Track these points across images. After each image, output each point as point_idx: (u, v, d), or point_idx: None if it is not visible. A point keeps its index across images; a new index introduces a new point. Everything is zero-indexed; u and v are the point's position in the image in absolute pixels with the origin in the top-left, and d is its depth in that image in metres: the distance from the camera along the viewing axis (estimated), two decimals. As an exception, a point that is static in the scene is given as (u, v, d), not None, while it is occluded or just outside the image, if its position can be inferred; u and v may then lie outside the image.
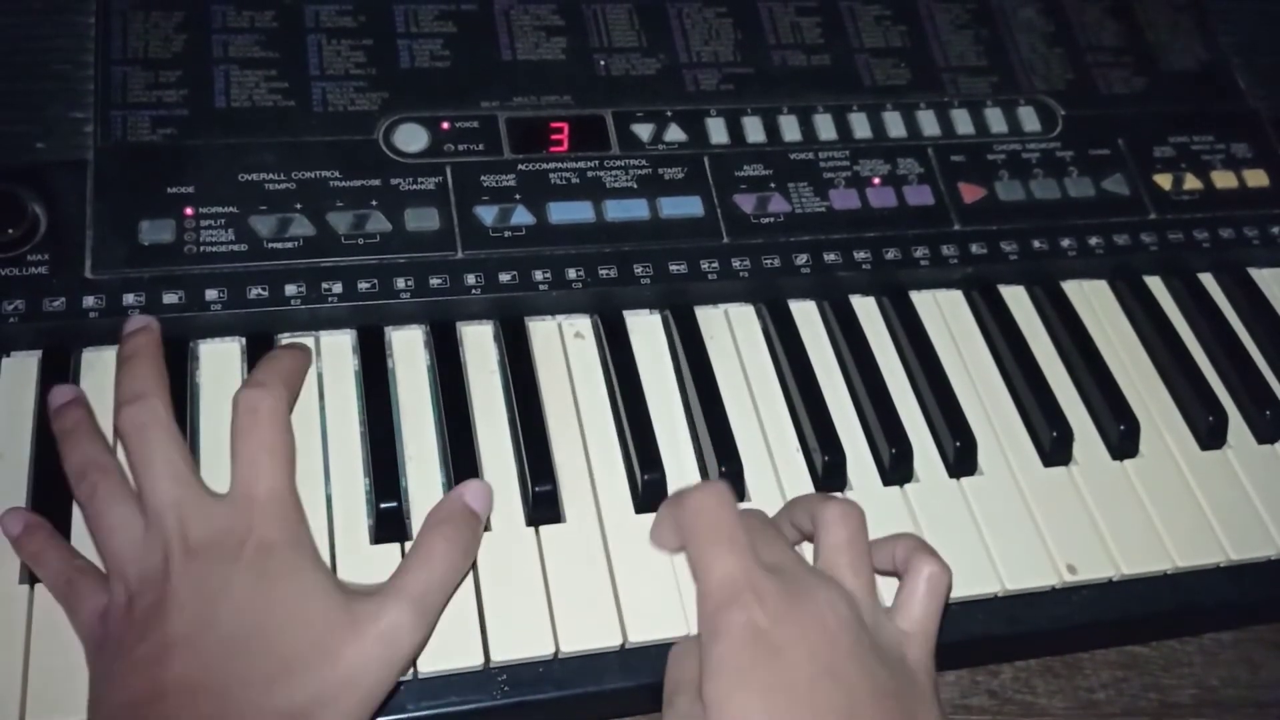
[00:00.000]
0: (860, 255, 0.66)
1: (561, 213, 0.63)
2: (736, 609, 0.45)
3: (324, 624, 0.45)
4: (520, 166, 0.64)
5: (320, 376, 0.58)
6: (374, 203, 0.61)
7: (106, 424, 0.54)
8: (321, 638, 0.45)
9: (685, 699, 0.46)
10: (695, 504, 0.48)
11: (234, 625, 0.44)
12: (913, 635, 0.48)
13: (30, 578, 0.50)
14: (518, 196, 0.63)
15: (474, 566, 0.53)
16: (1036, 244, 0.68)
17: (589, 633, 0.52)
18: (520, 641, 0.51)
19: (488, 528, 0.54)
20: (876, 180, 0.68)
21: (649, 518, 0.56)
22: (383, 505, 0.53)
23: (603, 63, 0.69)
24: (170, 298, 0.57)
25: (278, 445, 0.49)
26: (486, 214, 0.62)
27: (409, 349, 0.60)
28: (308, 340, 0.59)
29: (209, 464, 0.54)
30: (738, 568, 0.46)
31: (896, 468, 0.59)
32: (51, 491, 0.52)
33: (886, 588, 0.52)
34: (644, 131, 0.67)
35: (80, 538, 0.51)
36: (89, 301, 0.56)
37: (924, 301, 0.67)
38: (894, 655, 0.47)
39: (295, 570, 0.47)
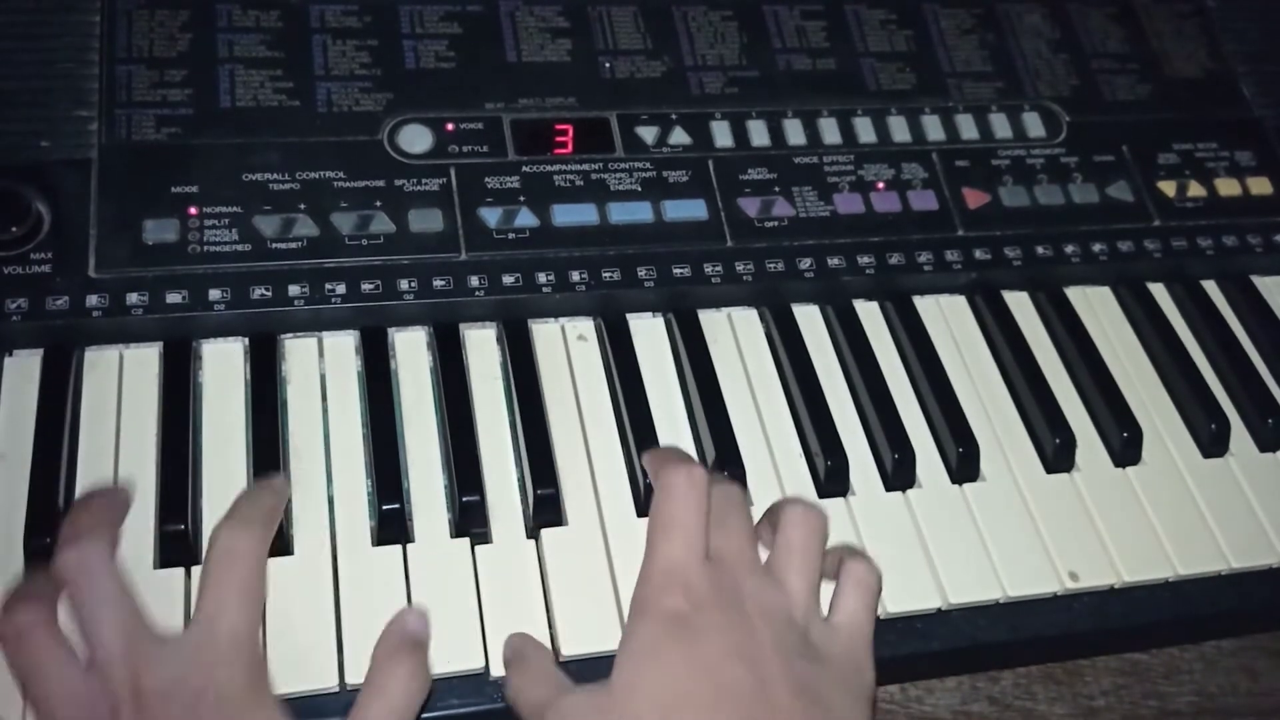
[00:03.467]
0: (864, 260, 0.65)
1: (565, 215, 0.63)
2: (666, 595, 0.47)
3: None
4: (524, 168, 0.64)
5: (323, 378, 0.58)
6: (378, 203, 0.61)
7: (108, 426, 0.55)
8: None
9: (567, 697, 0.47)
10: (669, 484, 0.50)
11: None
12: (841, 631, 0.50)
13: (31, 577, 0.50)
14: (522, 198, 0.63)
15: (474, 570, 0.53)
16: (1040, 250, 0.68)
17: (589, 636, 0.52)
18: (521, 645, 0.51)
19: (489, 539, 0.54)
20: (881, 185, 0.68)
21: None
22: (385, 507, 0.53)
23: (608, 65, 0.69)
24: (174, 297, 0.57)
25: (249, 587, 0.46)
26: (490, 215, 0.62)
27: (412, 350, 0.60)
28: (310, 341, 0.59)
29: (211, 465, 0.54)
30: (680, 557, 0.48)
31: (899, 473, 0.59)
32: (49, 493, 0.52)
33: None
34: (648, 134, 0.67)
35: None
36: (92, 300, 0.56)
37: (927, 306, 0.67)
38: (821, 654, 0.48)
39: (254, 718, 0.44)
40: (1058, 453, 0.61)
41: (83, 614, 0.44)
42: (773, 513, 0.53)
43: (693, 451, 0.59)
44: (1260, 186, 0.73)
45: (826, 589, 0.52)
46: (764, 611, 0.48)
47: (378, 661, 0.48)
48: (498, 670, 0.51)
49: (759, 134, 0.68)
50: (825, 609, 0.51)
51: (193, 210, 0.59)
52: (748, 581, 0.49)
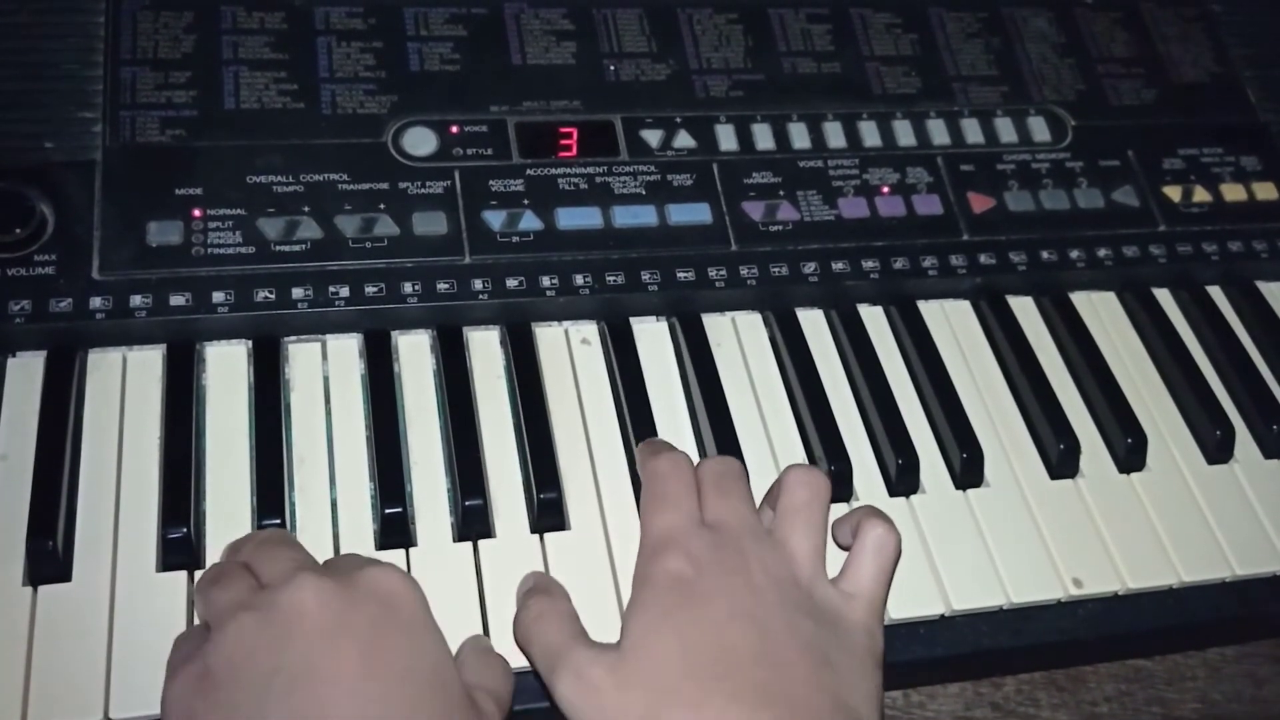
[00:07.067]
0: (868, 264, 0.65)
1: (569, 218, 0.63)
2: (666, 558, 0.48)
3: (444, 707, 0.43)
4: (529, 171, 0.64)
5: (326, 380, 0.58)
6: (382, 206, 0.61)
7: (111, 428, 0.55)
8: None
9: (581, 651, 0.47)
10: (654, 468, 0.52)
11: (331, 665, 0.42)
12: (855, 597, 0.50)
13: (33, 580, 0.50)
14: (526, 201, 0.63)
15: (477, 573, 0.53)
16: (1045, 255, 0.68)
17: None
18: (524, 649, 0.51)
19: (492, 533, 0.54)
20: (885, 189, 0.68)
21: (654, 526, 0.56)
22: (387, 511, 0.53)
23: (613, 68, 0.69)
24: (177, 299, 0.57)
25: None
26: (494, 219, 0.62)
27: (415, 353, 0.60)
28: (314, 344, 0.59)
29: (214, 468, 0.54)
30: (674, 524, 0.50)
31: (903, 478, 0.59)
32: (52, 495, 0.52)
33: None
34: (653, 137, 0.67)
35: (83, 548, 0.51)
36: (96, 302, 0.56)
37: (932, 312, 0.67)
38: (828, 613, 0.48)
39: (424, 633, 0.45)
40: (1062, 458, 0.61)
41: (260, 564, 0.47)
42: (775, 485, 0.54)
43: (695, 456, 0.59)
44: (1266, 192, 0.73)
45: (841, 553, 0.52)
46: (767, 572, 0.48)
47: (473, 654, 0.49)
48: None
49: (764, 137, 0.68)
50: (840, 569, 0.51)
51: (197, 212, 0.59)
52: (750, 544, 0.49)
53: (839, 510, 0.57)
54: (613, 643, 0.47)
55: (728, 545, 0.49)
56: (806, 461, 0.60)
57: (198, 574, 0.51)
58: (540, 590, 0.51)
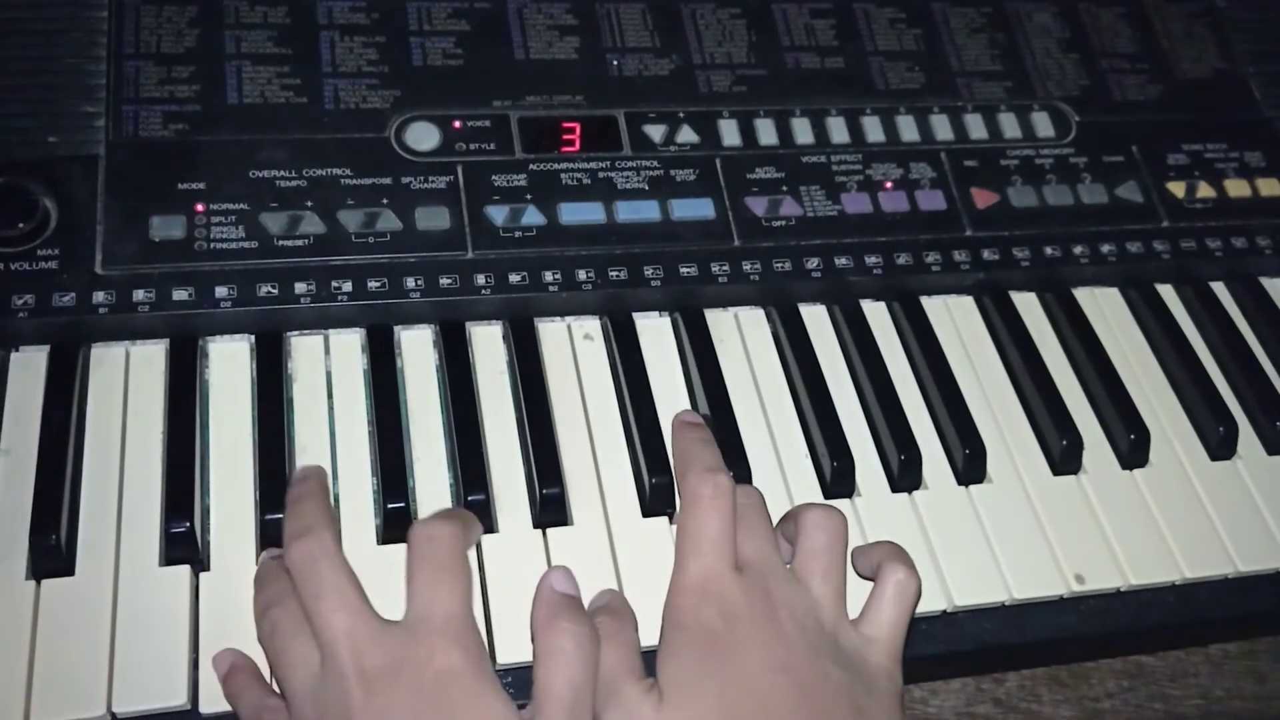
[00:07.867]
0: (871, 260, 0.65)
1: (572, 213, 0.63)
2: (701, 609, 0.48)
3: None
4: (531, 166, 0.64)
5: (329, 375, 0.58)
6: (385, 201, 0.61)
7: (114, 423, 0.55)
8: None
9: (634, 689, 0.47)
10: (695, 494, 0.51)
11: None
12: (876, 641, 0.50)
13: (36, 574, 0.50)
14: (529, 196, 0.63)
15: (480, 569, 0.53)
16: (1049, 250, 0.68)
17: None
18: (527, 645, 0.51)
19: (495, 529, 0.54)
20: (889, 184, 0.68)
21: (656, 521, 0.56)
22: (390, 505, 0.53)
23: (616, 63, 0.69)
24: (180, 294, 0.57)
25: (456, 570, 0.47)
26: (497, 214, 0.62)
27: (418, 349, 0.60)
28: (316, 339, 0.59)
29: (217, 463, 0.54)
30: (709, 570, 0.49)
31: (905, 474, 0.59)
32: (55, 490, 0.52)
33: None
34: (656, 132, 0.67)
35: (86, 542, 0.51)
36: (99, 297, 0.56)
37: (935, 307, 0.67)
38: (853, 659, 0.49)
39: (478, 698, 0.44)
40: (1064, 454, 0.61)
41: (309, 603, 0.46)
42: (790, 519, 0.53)
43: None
44: (1270, 188, 0.73)
45: (862, 586, 0.52)
46: (796, 618, 0.48)
47: (539, 631, 0.48)
48: (504, 665, 0.51)
49: (767, 133, 0.68)
50: (859, 605, 0.51)
51: (200, 207, 0.59)
52: (777, 587, 0.49)
53: (843, 508, 0.57)
54: (654, 685, 0.47)
55: (757, 591, 0.49)
56: (808, 458, 0.60)
57: (201, 575, 0.51)
58: (614, 611, 0.50)
